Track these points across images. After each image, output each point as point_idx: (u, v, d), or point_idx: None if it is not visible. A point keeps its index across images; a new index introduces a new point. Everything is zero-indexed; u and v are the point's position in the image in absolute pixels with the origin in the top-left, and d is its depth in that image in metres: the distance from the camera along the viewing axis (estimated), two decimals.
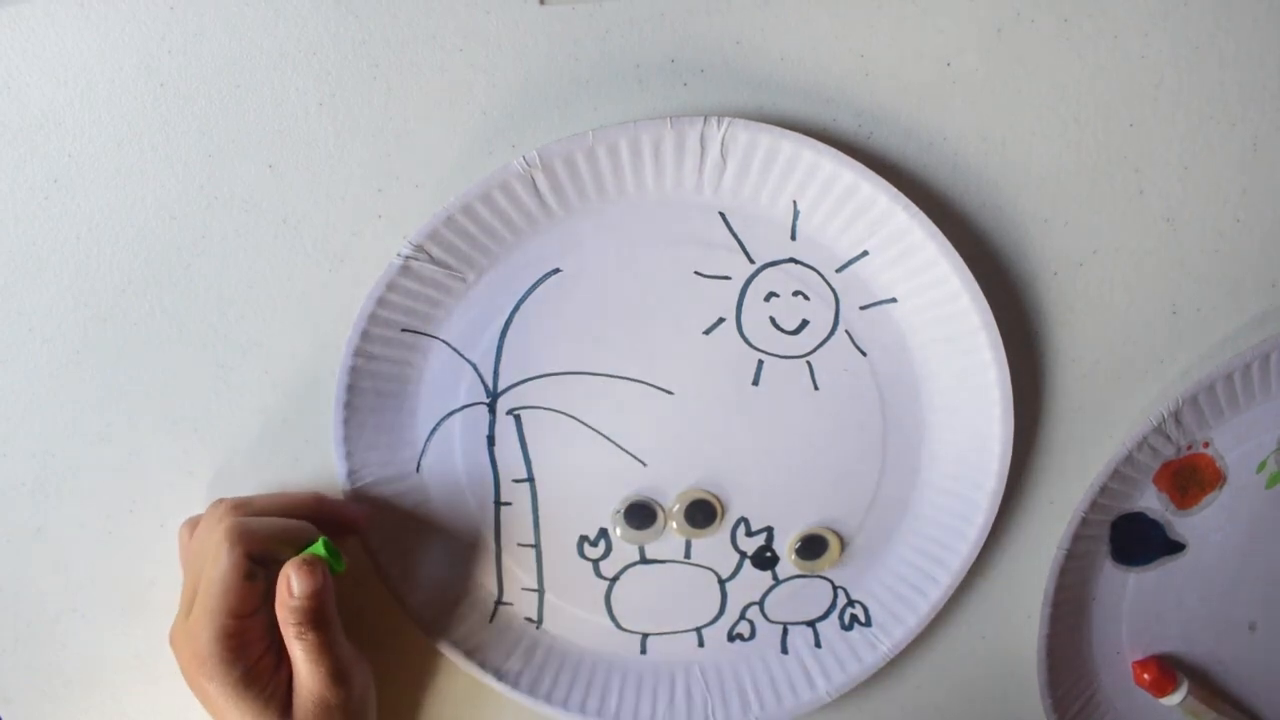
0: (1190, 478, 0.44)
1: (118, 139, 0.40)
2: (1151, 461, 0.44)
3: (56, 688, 0.46)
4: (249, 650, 0.38)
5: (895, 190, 0.40)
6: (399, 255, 0.40)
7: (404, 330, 0.41)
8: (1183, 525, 0.45)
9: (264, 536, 0.39)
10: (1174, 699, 0.46)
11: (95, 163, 0.41)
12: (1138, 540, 0.45)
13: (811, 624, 0.46)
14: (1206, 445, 0.44)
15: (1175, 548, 0.45)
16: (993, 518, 0.43)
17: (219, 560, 0.38)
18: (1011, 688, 0.49)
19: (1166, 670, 0.46)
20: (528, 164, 0.39)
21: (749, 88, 0.41)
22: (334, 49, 0.40)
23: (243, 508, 0.40)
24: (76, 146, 0.41)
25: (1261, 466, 0.44)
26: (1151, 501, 0.45)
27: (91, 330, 0.42)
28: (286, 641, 0.40)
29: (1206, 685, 0.47)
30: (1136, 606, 0.46)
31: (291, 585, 0.39)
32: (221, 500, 0.41)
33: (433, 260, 0.40)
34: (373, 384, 0.42)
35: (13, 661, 0.45)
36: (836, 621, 0.46)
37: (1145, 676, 0.46)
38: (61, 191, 0.41)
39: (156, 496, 0.44)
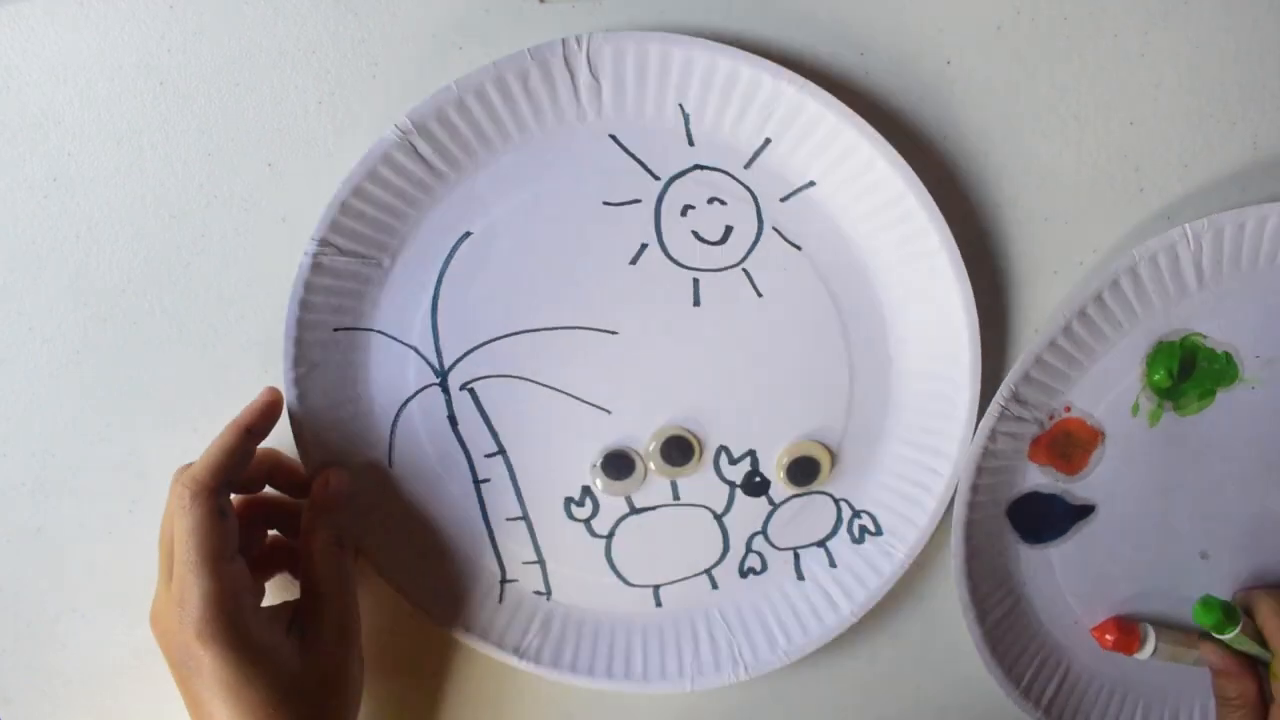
0: (1068, 443, 0.43)
1: (117, 137, 0.40)
2: (1016, 444, 0.42)
3: (56, 688, 0.46)
4: (244, 600, 0.36)
5: (778, 67, 0.38)
6: (305, 254, 0.39)
7: (336, 330, 0.41)
8: (1082, 489, 0.44)
9: (215, 466, 0.36)
10: (1145, 653, 0.45)
11: (95, 161, 0.41)
12: (1040, 518, 0.44)
13: (822, 544, 0.44)
14: (1069, 409, 0.42)
15: (1083, 512, 0.44)
16: (978, 390, 0.41)
17: (184, 511, 0.36)
18: None
19: (1127, 627, 0.45)
20: (401, 131, 0.38)
21: None
22: (333, 47, 0.40)
23: (188, 468, 0.38)
24: (76, 145, 0.40)
25: (1135, 409, 0.43)
26: (1038, 478, 0.43)
27: (91, 330, 0.42)
28: (317, 560, 0.38)
29: (1178, 627, 0.46)
30: (1071, 577, 0.45)
31: (332, 487, 0.39)
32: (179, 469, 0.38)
33: (341, 252, 0.39)
34: (322, 390, 0.41)
35: (12, 661, 0.45)
36: (847, 536, 0.44)
37: (1108, 638, 0.45)
38: (61, 190, 0.41)
39: (156, 496, 0.44)
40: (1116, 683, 0.47)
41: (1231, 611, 0.44)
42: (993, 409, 0.41)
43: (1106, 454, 0.43)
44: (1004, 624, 0.44)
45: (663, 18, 0.40)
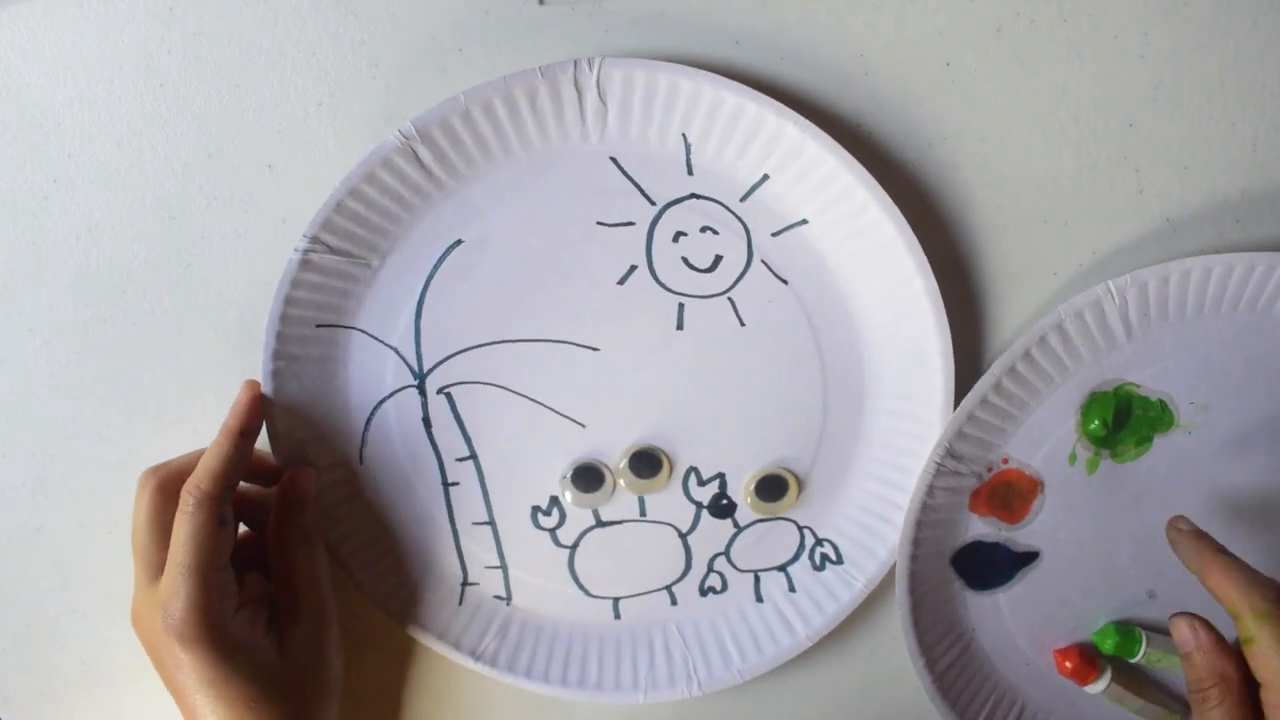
0: (1008, 494, 0.43)
1: (117, 139, 0.41)
2: (956, 497, 0.43)
3: (56, 688, 0.46)
4: (225, 606, 0.37)
5: (781, 106, 0.39)
6: (295, 250, 0.39)
7: (319, 326, 0.41)
8: (1025, 536, 0.44)
9: (217, 474, 0.38)
10: (1098, 686, 0.45)
11: (95, 163, 0.41)
12: (985, 566, 0.44)
13: (783, 568, 0.45)
14: (1006, 461, 0.43)
15: (1028, 558, 0.44)
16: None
17: (186, 517, 0.37)
18: None
19: (1088, 657, 0.45)
20: (404, 136, 0.38)
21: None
22: (333, 49, 0.40)
23: (163, 469, 0.39)
24: (76, 146, 0.41)
25: (1073, 458, 0.43)
26: (980, 528, 0.44)
27: (91, 330, 0.42)
28: (289, 558, 0.40)
29: (1131, 671, 0.46)
30: (1020, 620, 0.45)
31: (299, 487, 0.40)
32: (147, 472, 0.39)
33: (332, 250, 0.40)
34: (299, 384, 0.41)
35: (12, 661, 0.45)
36: (807, 562, 0.45)
37: (1067, 665, 0.45)
38: (61, 191, 0.41)
39: None
40: None
41: (1131, 634, 0.45)
42: (928, 466, 0.41)
43: (1047, 502, 0.44)
44: (954, 669, 0.45)
45: (662, 22, 0.40)
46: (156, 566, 0.38)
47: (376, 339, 0.42)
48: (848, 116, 0.41)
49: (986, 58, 0.41)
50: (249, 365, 0.42)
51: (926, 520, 0.42)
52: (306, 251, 0.39)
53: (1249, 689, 0.36)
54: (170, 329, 0.42)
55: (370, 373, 0.42)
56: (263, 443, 0.42)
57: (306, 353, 0.41)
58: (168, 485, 0.38)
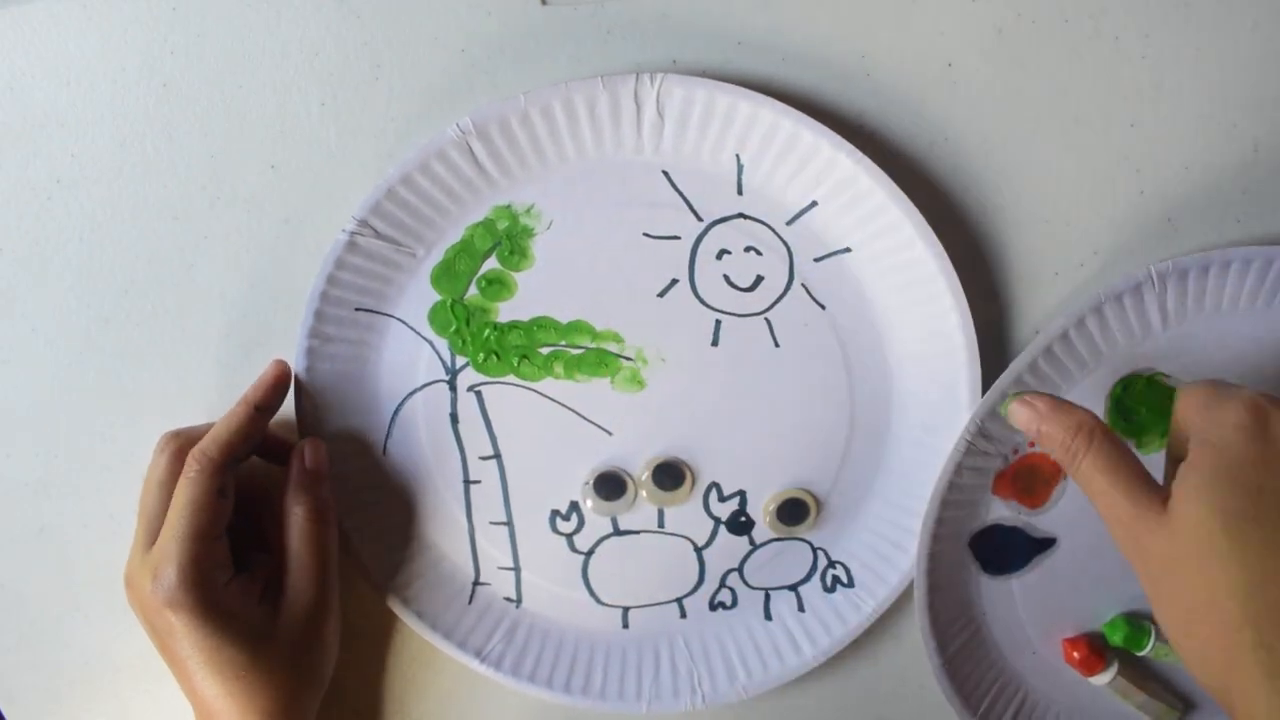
0: (1031, 478, 0.43)
1: (120, 139, 0.41)
2: (980, 478, 0.43)
3: (59, 687, 0.46)
4: (217, 575, 0.38)
5: (839, 137, 0.39)
6: (344, 231, 0.40)
7: (358, 309, 0.41)
8: (1044, 522, 0.44)
9: (225, 444, 0.38)
10: (1104, 678, 0.45)
11: (98, 163, 0.41)
12: (1002, 550, 0.44)
13: (793, 588, 0.45)
14: (1032, 445, 0.43)
15: (1045, 545, 0.44)
16: None
17: (189, 483, 0.37)
18: None
19: (1096, 648, 0.45)
20: (462, 131, 0.39)
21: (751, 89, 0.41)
22: (336, 50, 0.40)
23: (183, 434, 0.40)
24: (79, 147, 0.41)
25: None
26: (1001, 511, 0.44)
27: (94, 331, 0.42)
28: (298, 532, 0.39)
29: (1136, 665, 0.46)
30: (1032, 607, 0.45)
31: (307, 456, 0.40)
32: (167, 436, 0.40)
33: (378, 235, 0.40)
34: (331, 365, 0.41)
35: (16, 661, 0.45)
36: (819, 584, 0.45)
37: (1075, 655, 0.45)
38: (64, 192, 0.41)
39: None
40: (1073, 712, 0.47)
41: (1141, 627, 0.45)
42: (959, 444, 0.41)
43: (1069, 489, 0.44)
44: (963, 653, 0.45)
45: (664, 23, 0.40)
46: (157, 532, 0.38)
47: (414, 330, 0.42)
48: (849, 117, 0.41)
49: (988, 59, 0.41)
50: (252, 365, 0.43)
51: (951, 500, 0.42)
52: (354, 233, 0.40)
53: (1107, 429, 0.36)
54: (173, 330, 0.43)
55: (403, 363, 0.42)
56: (284, 422, 0.42)
57: (343, 334, 0.41)
58: (185, 452, 0.39)
